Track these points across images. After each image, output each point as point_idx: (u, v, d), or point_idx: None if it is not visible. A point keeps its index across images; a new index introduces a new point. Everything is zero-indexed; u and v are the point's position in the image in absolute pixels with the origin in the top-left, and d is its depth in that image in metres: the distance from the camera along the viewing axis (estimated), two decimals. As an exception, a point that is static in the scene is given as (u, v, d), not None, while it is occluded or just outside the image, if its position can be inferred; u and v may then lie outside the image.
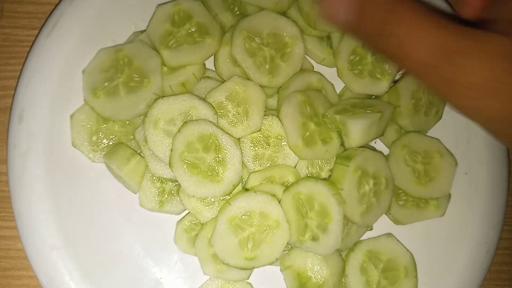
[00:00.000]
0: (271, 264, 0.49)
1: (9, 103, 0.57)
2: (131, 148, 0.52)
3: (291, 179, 0.52)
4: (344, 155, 0.51)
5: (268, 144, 0.53)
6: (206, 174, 0.48)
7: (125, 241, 0.53)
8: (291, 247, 0.52)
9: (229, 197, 0.50)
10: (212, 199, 0.51)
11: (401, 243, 0.54)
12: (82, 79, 0.51)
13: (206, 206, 0.51)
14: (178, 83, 0.52)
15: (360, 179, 0.50)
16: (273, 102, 0.55)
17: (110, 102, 0.50)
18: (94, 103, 0.50)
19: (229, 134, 0.49)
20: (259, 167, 0.52)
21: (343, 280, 0.52)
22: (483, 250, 0.57)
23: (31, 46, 0.54)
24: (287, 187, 0.50)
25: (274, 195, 0.49)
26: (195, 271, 0.52)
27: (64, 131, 0.52)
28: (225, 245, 0.48)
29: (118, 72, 0.51)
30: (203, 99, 0.51)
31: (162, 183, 0.52)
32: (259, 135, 0.53)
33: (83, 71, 0.52)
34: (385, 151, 0.57)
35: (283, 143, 0.53)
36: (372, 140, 0.56)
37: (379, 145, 0.58)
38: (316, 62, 0.58)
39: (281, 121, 0.52)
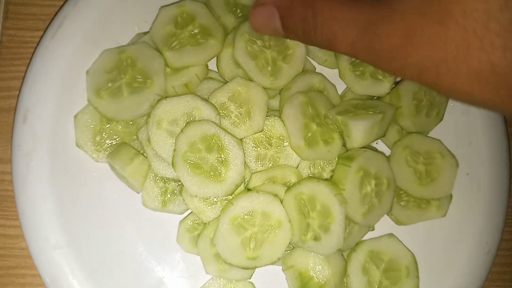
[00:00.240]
0: (273, 263, 0.49)
1: (13, 103, 0.57)
2: (134, 148, 0.52)
3: (293, 179, 0.52)
4: (346, 156, 0.51)
5: (270, 145, 0.53)
6: (209, 174, 0.48)
7: (128, 241, 0.53)
8: (293, 247, 0.52)
9: (231, 197, 0.50)
10: (215, 199, 0.51)
11: (403, 244, 0.54)
12: (85, 80, 0.52)
13: (208, 206, 0.51)
14: (181, 84, 0.52)
15: (362, 180, 0.50)
16: (275, 103, 0.55)
17: (114, 102, 0.51)
18: (97, 103, 0.51)
19: (231, 134, 0.50)
20: (261, 168, 0.52)
21: (344, 280, 0.52)
22: (484, 251, 0.57)
23: (36, 47, 0.54)
24: (289, 187, 0.51)
25: (276, 195, 0.50)
26: (198, 271, 0.53)
27: (68, 131, 0.53)
28: (227, 245, 0.48)
29: (122, 73, 0.52)
30: (206, 100, 0.51)
31: (165, 183, 0.52)
32: (261, 135, 0.53)
33: (87, 72, 0.52)
34: (387, 152, 0.57)
35: (285, 144, 0.53)
36: (374, 141, 0.56)
37: (380, 146, 0.58)
38: (318, 64, 0.58)
39: (283, 122, 0.52)
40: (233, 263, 0.48)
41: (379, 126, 0.51)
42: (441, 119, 0.58)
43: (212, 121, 0.49)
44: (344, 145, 0.53)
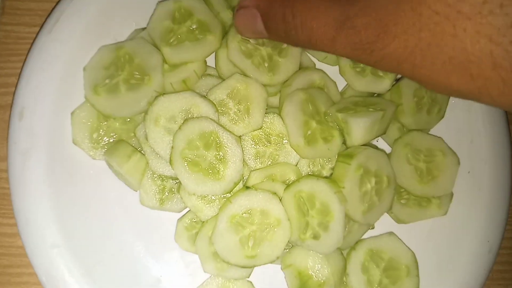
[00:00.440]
0: (272, 262, 0.49)
1: (9, 100, 0.57)
2: (131, 145, 0.52)
3: (292, 177, 0.52)
4: (346, 153, 0.51)
5: (270, 142, 0.52)
6: (207, 171, 0.48)
7: (126, 239, 0.53)
8: (292, 245, 0.51)
9: (230, 195, 0.50)
10: (213, 197, 0.51)
11: (403, 242, 0.54)
12: (83, 76, 0.51)
13: (206, 204, 0.50)
14: (179, 81, 0.52)
15: (362, 178, 0.50)
16: (275, 100, 0.55)
17: (111, 99, 0.50)
18: (95, 100, 0.50)
19: (230, 131, 0.49)
20: (260, 165, 0.52)
21: (344, 278, 0.52)
22: (485, 250, 0.56)
23: (32, 43, 0.53)
24: (288, 185, 0.50)
25: (275, 193, 0.49)
26: (196, 269, 0.52)
27: (64, 128, 0.52)
28: (225, 243, 0.48)
29: (119, 69, 0.51)
30: (204, 97, 0.50)
31: (162, 181, 0.52)
32: (260, 133, 0.52)
33: (84, 68, 0.51)
34: (387, 149, 0.57)
35: (285, 141, 0.52)
36: (374, 138, 0.55)
37: (381, 143, 0.58)
38: (318, 60, 0.57)
39: (282, 119, 0.52)
40: (231, 261, 0.48)
41: (379, 124, 0.51)
42: (443, 117, 0.58)
43: (211, 118, 0.49)
44: (344, 142, 0.53)
